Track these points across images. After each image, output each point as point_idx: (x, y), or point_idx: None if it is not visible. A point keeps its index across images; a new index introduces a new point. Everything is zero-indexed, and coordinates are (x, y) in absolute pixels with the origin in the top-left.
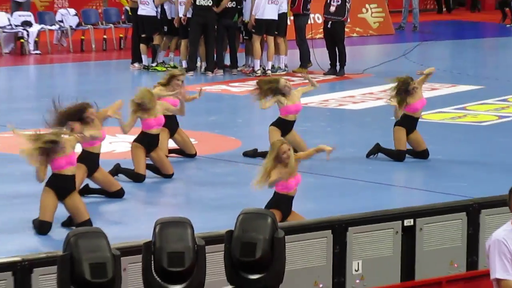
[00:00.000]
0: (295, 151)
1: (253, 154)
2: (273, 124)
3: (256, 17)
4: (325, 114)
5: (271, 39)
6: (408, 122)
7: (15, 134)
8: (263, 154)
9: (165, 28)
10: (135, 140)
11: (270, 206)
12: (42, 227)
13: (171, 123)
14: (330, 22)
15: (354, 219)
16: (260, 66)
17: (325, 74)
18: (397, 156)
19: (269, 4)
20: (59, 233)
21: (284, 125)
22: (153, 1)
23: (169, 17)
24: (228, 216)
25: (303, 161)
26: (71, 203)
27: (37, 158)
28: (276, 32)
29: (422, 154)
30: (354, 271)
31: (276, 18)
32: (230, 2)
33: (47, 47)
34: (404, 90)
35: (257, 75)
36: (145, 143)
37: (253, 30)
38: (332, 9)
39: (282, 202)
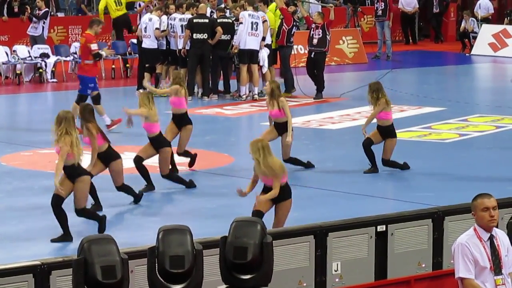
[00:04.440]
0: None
1: None
2: None
3: (239, 47)
4: (307, 133)
5: (254, 67)
6: (379, 129)
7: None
8: None
9: (169, 58)
10: None
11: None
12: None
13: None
14: (313, 52)
15: (333, 225)
16: (250, 91)
17: (314, 99)
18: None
19: (249, 36)
20: (74, 243)
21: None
22: (154, 35)
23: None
24: (222, 224)
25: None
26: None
27: None
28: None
29: (382, 161)
30: (333, 271)
31: (257, 48)
32: (224, 35)
33: (63, 76)
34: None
35: (242, 99)
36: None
37: (238, 59)
38: (315, 41)
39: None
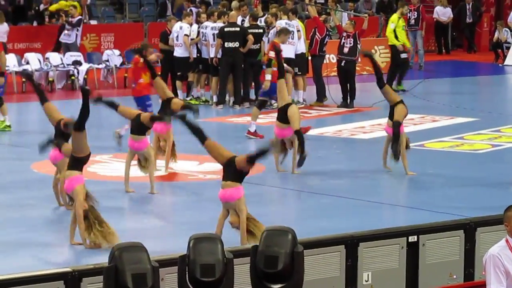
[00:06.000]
0: None
1: None
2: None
3: None
4: (338, 143)
5: (288, 75)
6: None
7: None
8: None
9: (200, 66)
10: None
11: None
12: None
13: None
14: (344, 61)
15: (364, 235)
16: None
17: (338, 106)
18: None
19: (285, 45)
20: (104, 250)
21: None
22: (183, 42)
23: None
24: None
25: (316, 184)
26: None
27: None
28: (299, 73)
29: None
30: (364, 281)
31: (293, 56)
32: (255, 44)
33: (95, 83)
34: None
35: (274, 108)
36: None
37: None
38: (346, 50)
39: None
